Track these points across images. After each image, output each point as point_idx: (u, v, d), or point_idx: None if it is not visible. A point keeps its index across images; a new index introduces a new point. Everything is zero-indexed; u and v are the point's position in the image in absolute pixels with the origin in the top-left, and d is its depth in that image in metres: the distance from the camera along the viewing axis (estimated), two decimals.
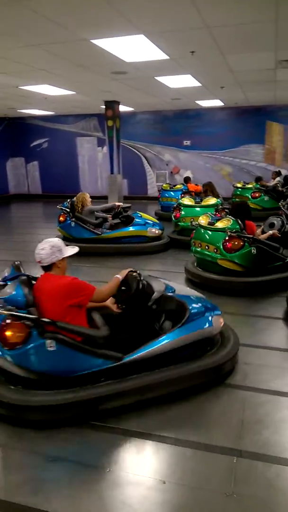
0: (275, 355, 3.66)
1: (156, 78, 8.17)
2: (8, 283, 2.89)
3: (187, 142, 14.22)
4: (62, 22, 4.68)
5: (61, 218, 7.52)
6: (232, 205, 5.65)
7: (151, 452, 2.49)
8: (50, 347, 2.68)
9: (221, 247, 5.07)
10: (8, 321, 2.68)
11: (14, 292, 2.76)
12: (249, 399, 2.98)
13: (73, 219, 7.36)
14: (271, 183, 11.69)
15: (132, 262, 6.52)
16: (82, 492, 2.17)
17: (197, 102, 11.92)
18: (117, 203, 8.08)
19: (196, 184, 11.06)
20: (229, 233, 5.03)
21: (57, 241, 2.95)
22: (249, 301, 4.89)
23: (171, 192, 10.65)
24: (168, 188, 10.91)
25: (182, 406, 2.88)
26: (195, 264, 5.69)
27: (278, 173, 12.31)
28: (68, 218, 7.40)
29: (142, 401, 2.83)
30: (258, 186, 11.00)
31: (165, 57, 6.39)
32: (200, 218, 5.76)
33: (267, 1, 4.16)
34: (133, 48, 5.89)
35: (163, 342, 2.97)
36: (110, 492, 2.17)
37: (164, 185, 11.34)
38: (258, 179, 11.78)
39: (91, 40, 5.47)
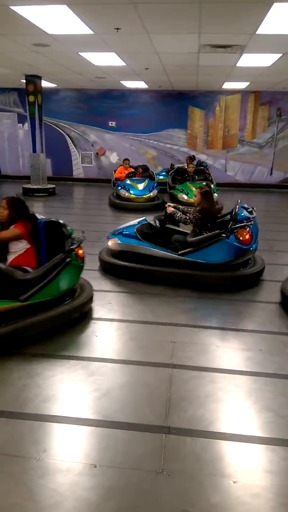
0: (200, 332, 3.79)
1: (80, 53, 7.88)
2: None
3: (112, 123, 14.03)
4: None
5: None
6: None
7: (81, 437, 2.45)
8: None
9: None
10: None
11: None
12: (175, 376, 3.06)
13: None
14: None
15: None
16: (10, 485, 2.08)
17: (122, 82, 11.76)
18: None
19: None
20: None
21: None
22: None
23: None
24: None
25: (111, 388, 2.88)
26: None
27: (192, 158, 12.55)
28: None
29: None
30: None
31: (89, 31, 6.17)
32: None
33: None
34: (56, 19, 5.59)
35: None
36: (39, 482, 2.10)
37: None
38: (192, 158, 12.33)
39: (11, 7, 5.08)
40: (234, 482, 2.13)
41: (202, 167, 11.63)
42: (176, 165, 12.50)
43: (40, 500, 2.00)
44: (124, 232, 5.31)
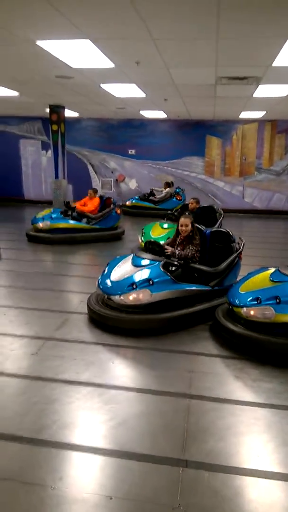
0: (218, 362, 3.74)
1: (102, 85, 8.16)
2: None
3: (131, 151, 14.34)
4: (6, 21, 4.53)
5: None
6: None
7: (97, 467, 2.42)
8: None
9: None
10: None
11: None
12: (193, 407, 3.01)
13: None
14: (162, 194, 12.82)
15: None
16: None
17: (141, 112, 12.08)
18: None
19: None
20: None
21: None
22: None
23: None
24: None
25: (127, 417, 2.85)
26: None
27: (169, 184, 13.03)
28: None
29: None
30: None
31: (111, 65, 6.41)
32: None
33: (208, 21, 4.32)
34: (79, 53, 5.83)
35: None
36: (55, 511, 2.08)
37: None
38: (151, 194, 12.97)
39: (36, 42, 5.34)
40: None
41: (208, 208, 8.74)
42: (155, 189, 13.10)
43: None
44: (155, 280, 4.32)
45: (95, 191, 9.57)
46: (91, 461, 2.46)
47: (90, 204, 9.33)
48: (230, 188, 13.98)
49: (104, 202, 9.54)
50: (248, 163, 13.81)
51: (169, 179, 13.98)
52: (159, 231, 7.44)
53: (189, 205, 8.13)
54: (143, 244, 6.83)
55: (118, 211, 9.45)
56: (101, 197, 9.59)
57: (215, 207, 8.50)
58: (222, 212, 8.47)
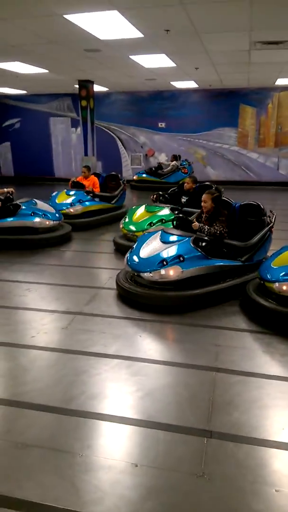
0: (245, 336, 3.72)
1: (131, 57, 8.00)
2: None
3: (162, 124, 14.07)
4: None
5: None
6: None
7: (124, 436, 2.50)
8: None
9: None
10: None
11: None
12: (219, 380, 3.03)
13: None
14: (168, 167, 12.74)
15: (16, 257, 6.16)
16: (55, 479, 2.16)
17: (172, 83, 11.78)
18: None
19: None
20: None
21: None
22: None
23: None
24: None
25: (153, 388, 2.91)
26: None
27: (176, 157, 12.88)
28: None
29: None
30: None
31: (140, 35, 6.25)
32: None
33: None
34: (106, 24, 5.73)
35: None
36: (83, 477, 2.17)
37: None
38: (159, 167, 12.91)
39: (64, 16, 5.27)
40: (276, 491, 2.07)
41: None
42: (163, 163, 12.98)
43: (83, 495, 2.07)
44: (185, 256, 4.25)
45: (89, 168, 8.90)
46: (118, 430, 2.55)
47: (88, 183, 8.61)
48: (264, 159, 13.52)
49: (105, 179, 9.09)
50: (284, 133, 13.26)
51: (200, 152, 13.71)
52: (142, 215, 6.53)
53: (185, 185, 7.25)
54: (124, 230, 6.41)
55: (125, 188, 9.13)
56: (97, 174, 9.07)
57: (214, 186, 7.33)
58: (222, 191, 7.80)
